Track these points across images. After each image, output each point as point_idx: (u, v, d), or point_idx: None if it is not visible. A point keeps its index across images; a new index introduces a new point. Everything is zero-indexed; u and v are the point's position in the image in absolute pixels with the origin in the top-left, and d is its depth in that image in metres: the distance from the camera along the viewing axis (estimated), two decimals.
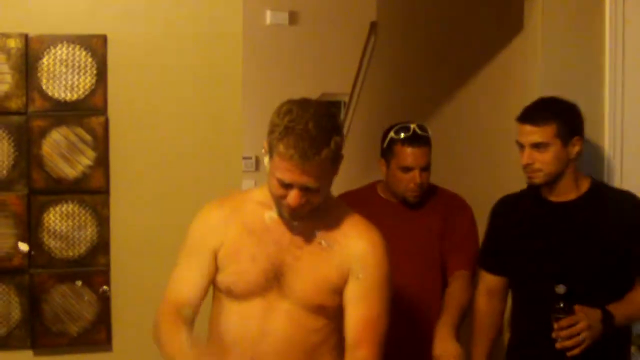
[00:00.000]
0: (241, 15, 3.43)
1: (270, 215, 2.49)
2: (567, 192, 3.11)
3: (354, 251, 2.46)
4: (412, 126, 3.37)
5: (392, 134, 3.40)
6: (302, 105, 2.35)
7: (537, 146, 3.05)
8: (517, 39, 3.96)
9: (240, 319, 2.48)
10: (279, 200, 2.40)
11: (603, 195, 3.15)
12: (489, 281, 3.32)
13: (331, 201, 2.55)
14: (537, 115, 3.07)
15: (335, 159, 2.37)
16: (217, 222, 2.51)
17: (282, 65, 7.87)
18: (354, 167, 6.72)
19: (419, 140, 3.35)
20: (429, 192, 3.49)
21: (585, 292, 2.98)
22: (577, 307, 2.89)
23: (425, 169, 3.37)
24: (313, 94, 7.93)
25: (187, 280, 2.49)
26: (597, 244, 3.05)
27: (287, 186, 2.34)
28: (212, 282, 2.52)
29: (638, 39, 3.73)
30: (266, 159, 2.42)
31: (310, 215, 2.42)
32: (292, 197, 2.34)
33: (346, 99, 7.20)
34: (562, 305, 2.89)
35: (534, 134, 3.05)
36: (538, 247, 3.12)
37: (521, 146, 3.10)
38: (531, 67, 3.78)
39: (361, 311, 2.45)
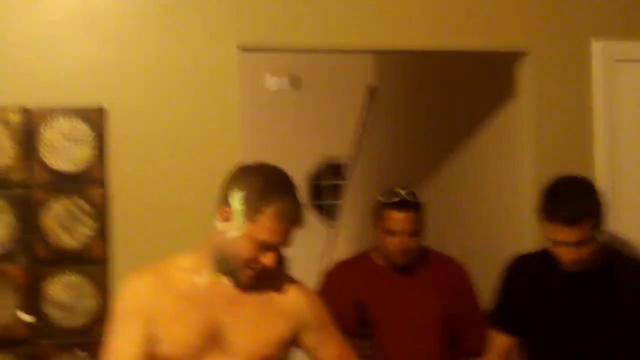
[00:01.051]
0: (237, 86, 3.50)
1: (202, 279, 2.48)
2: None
3: (296, 306, 2.54)
4: (401, 191, 3.39)
5: (380, 197, 3.43)
6: (272, 171, 2.46)
7: (575, 244, 2.97)
8: (510, 105, 4.03)
9: None
10: (245, 263, 2.41)
11: (619, 264, 3.14)
12: (502, 341, 3.30)
13: None
14: (572, 216, 2.94)
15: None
16: (143, 293, 2.47)
17: (284, 129, 7.92)
18: (355, 229, 6.76)
19: (406, 206, 3.36)
20: (423, 256, 3.49)
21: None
22: None
23: (413, 234, 3.37)
24: (316, 156, 8.00)
25: (127, 356, 2.42)
26: (614, 314, 3.05)
27: (268, 248, 2.39)
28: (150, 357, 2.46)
29: (628, 104, 3.83)
30: (221, 225, 2.44)
31: None
32: (272, 257, 2.41)
33: (348, 161, 7.25)
34: None
35: (570, 233, 2.95)
36: (555, 314, 3.11)
37: (557, 243, 3.01)
38: (523, 131, 3.85)
39: (334, 346, 2.62)
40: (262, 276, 2.45)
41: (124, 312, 2.48)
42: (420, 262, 3.48)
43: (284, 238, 2.40)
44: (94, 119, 3.33)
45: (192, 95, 3.45)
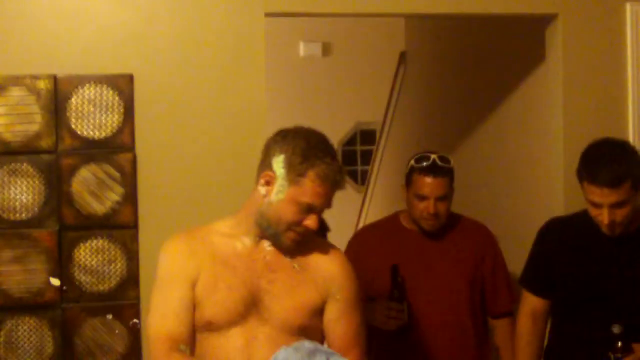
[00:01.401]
0: (264, 51, 3.52)
1: (242, 244, 2.51)
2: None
3: (328, 274, 2.54)
4: (433, 156, 3.39)
5: (412, 161, 3.44)
6: (313, 135, 2.48)
7: (616, 205, 2.98)
8: (540, 68, 4.02)
9: (224, 353, 2.47)
10: (288, 226, 2.45)
11: None
12: (533, 303, 3.32)
13: None
14: (611, 177, 2.96)
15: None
16: (188, 254, 2.50)
17: (316, 96, 7.95)
18: (387, 194, 6.78)
19: (437, 170, 3.37)
20: (453, 222, 3.51)
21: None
22: (635, 346, 2.92)
23: (442, 199, 3.38)
24: (348, 123, 8.04)
25: (175, 315, 2.45)
26: None
27: (311, 210, 2.42)
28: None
29: None
30: (264, 190, 2.46)
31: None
32: (314, 220, 2.44)
33: (380, 127, 7.27)
34: (620, 344, 2.92)
35: (611, 195, 2.96)
36: (591, 276, 3.12)
37: (596, 205, 3.02)
38: (554, 95, 3.83)
39: (345, 327, 2.56)
40: (304, 239, 2.48)
41: (168, 275, 2.51)
42: (449, 227, 3.50)
43: (326, 200, 2.44)
44: (122, 86, 3.38)
45: (219, 62, 3.48)
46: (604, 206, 2.98)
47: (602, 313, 3.03)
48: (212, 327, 2.45)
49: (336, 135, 7.97)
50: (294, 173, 2.41)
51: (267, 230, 2.48)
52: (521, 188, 4.29)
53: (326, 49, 7.95)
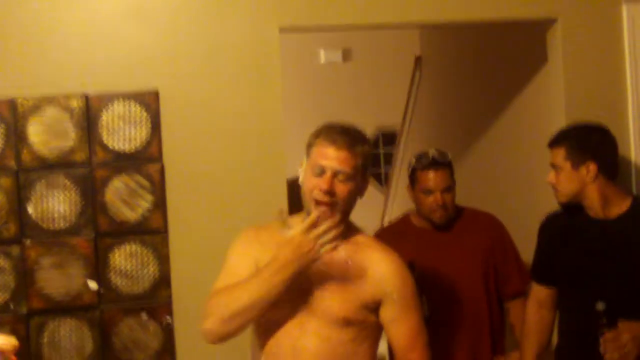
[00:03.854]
0: (279, 64, 3.71)
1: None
2: (606, 210, 3.25)
3: (383, 274, 2.65)
4: (431, 152, 3.58)
5: (413, 161, 3.64)
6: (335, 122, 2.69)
7: (553, 167, 3.26)
8: (543, 70, 4.18)
9: (274, 339, 2.64)
10: (310, 195, 2.59)
11: None
12: (538, 292, 3.46)
13: (353, 226, 2.77)
14: (552, 139, 3.29)
15: (364, 167, 2.65)
16: (255, 241, 2.70)
17: (338, 101, 8.06)
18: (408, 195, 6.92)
19: (437, 164, 3.56)
20: (460, 214, 3.67)
21: (627, 307, 3.12)
22: (620, 322, 3.05)
23: (446, 190, 3.56)
24: (370, 127, 8.11)
25: (240, 273, 2.61)
26: (636, 260, 3.19)
27: (322, 172, 2.58)
28: None
29: None
30: (301, 175, 2.65)
31: (337, 236, 2.59)
32: (324, 179, 2.57)
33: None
34: (604, 320, 3.03)
35: (551, 156, 3.28)
36: (581, 261, 3.27)
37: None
38: (556, 96, 3.99)
39: (404, 326, 2.67)
40: (329, 210, 2.55)
41: (238, 251, 2.72)
42: (458, 219, 3.66)
43: (336, 161, 2.57)
44: (149, 102, 3.58)
45: (238, 76, 3.67)
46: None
47: (590, 295, 3.14)
48: (264, 315, 2.59)
49: None
50: (308, 147, 2.64)
51: (308, 212, 2.61)
52: (533, 183, 4.42)
53: (346, 55, 8.04)
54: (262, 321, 2.65)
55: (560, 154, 3.23)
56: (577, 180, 3.23)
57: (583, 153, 3.22)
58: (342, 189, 2.59)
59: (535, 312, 3.47)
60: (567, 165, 3.23)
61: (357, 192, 2.67)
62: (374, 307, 2.66)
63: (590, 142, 3.26)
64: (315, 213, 2.56)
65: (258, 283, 2.52)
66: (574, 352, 3.31)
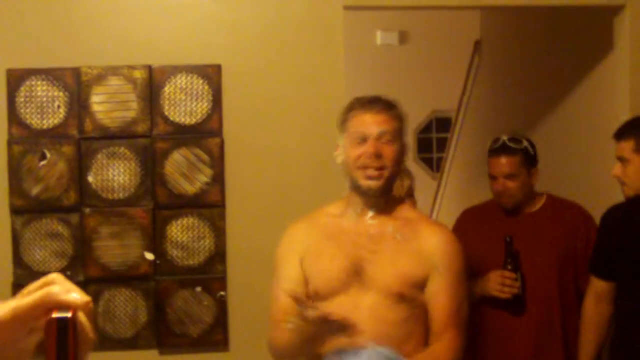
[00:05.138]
0: (342, 42, 3.71)
1: (347, 221, 2.69)
2: None
3: (431, 247, 2.64)
4: (503, 137, 3.55)
5: (488, 145, 3.63)
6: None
7: (621, 160, 3.21)
8: (608, 57, 4.12)
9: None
10: (355, 166, 2.60)
11: None
12: (597, 286, 3.42)
13: (400, 202, 2.80)
14: (619, 131, 3.24)
15: (402, 131, 2.67)
16: (297, 235, 2.73)
17: (393, 83, 8.05)
18: (461, 181, 6.91)
19: (503, 150, 3.52)
20: (544, 201, 3.61)
21: None
22: None
23: (510, 177, 3.51)
24: (424, 111, 8.13)
25: (289, 279, 2.68)
26: None
27: (365, 139, 2.59)
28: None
29: None
30: (338, 158, 2.67)
31: (385, 212, 2.65)
32: (370, 144, 2.57)
33: (455, 115, 7.36)
34: None
35: (618, 149, 3.22)
36: None
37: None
38: (621, 83, 3.94)
39: (446, 300, 2.64)
40: (379, 174, 2.59)
41: (282, 258, 2.75)
42: (539, 207, 3.60)
43: (375, 124, 2.59)
44: (211, 75, 3.60)
45: (300, 53, 3.68)
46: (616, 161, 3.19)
47: None
48: (319, 296, 2.63)
49: (412, 123, 8.08)
50: (342, 123, 2.65)
51: (355, 189, 2.64)
52: (591, 171, 4.38)
53: (403, 38, 8.02)
54: (315, 298, 2.66)
55: (628, 146, 3.18)
56: None
57: None
58: (388, 150, 2.60)
59: (594, 306, 3.43)
60: (636, 158, 3.17)
61: (402, 154, 2.68)
62: (424, 284, 2.65)
63: None
64: (365, 184, 2.60)
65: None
66: (634, 348, 3.27)
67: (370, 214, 2.66)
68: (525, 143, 3.56)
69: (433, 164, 8.11)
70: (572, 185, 4.67)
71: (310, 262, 2.67)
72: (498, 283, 3.44)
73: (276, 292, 2.69)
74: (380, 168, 2.60)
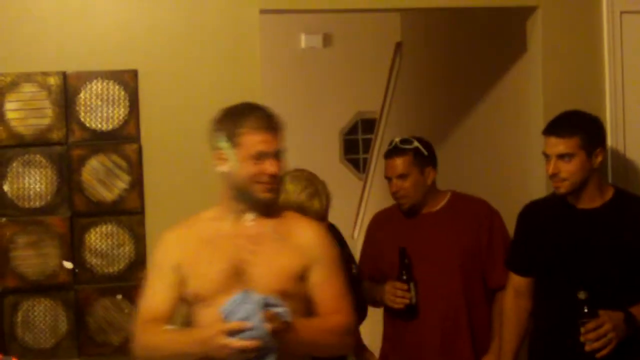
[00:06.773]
0: (259, 46, 3.70)
1: (225, 224, 2.76)
2: (591, 200, 3.26)
3: (308, 241, 2.76)
4: (396, 140, 3.62)
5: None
6: (237, 104, 2.81)
7: (562, 157, 3.20)
8: (523, 58, 4.20)
9: (214, 322, 2.62)
10: (253, 180, 2.67)
11: (626, 202, 3.30)
12: (516, 281, 3.47)
13: (277, 204, 2.86)
14: (562, 128, 3.24)
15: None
16: (172, 243, 2.79)
17: (318, 86, 8.07)
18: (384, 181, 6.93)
19: (395, 152, 3.58)
20: (453, 200, 3.64)
21: (608, 296, 3.14)
22: (601, 311, 3.06)
23: (402, 177, 3.55)
24: (349, 112, 8.16)
25: (155, 297, 2.75)
26: (620, 250, 3.21)
27: (263, 157, 2.66)
28: (183, 300, 2.75)
29: (635, 55, 3.94)
30: (222, 167, 2.73)
31: (263, 214, 2.74)
32: (271, 163, 2.68)
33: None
34: (586, 310, 3.05)
35: (559, 145, 3.21)
36: (563, 251, 3.28)
37: (547, 157, 3.26)
38: (534, 83, 4.00)
39: (331, 289, 2.76)
40: (276, 188, 2.72)
41: (155, 264, 2.82)
42: (442, 205, 3.64)
43: (272, 143, 2.68)
44: (128, 81, 3.57)
45: (217, 57, 3.67)
46: (551, 157, 3.21)
47: (570, 284, 3.16)
48: (199, 298, 2.70)
49: (338, 124, 8.13)
50: (233, 137, 2.68)
51: (244, 198, 2.71)
52: (505, 169, 4.45)
53: (327, 40, 8.04)
54: (199, 308, 2.72)
55: (574, 143, 3.19)
56: (588, 169, 3.23)
57: (597, 141, 3.24)
58: (282, 166, 2.73)
59: (513, 301, 3.48)
60: (581, 153, 3.20)
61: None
62: (304, 277, 2.75)
63: (601, 130, 3.31)
64: (262, 196, 2.70)
65: (180, 346, 2.65)
66: (552, 341, 3.33)
67: (251, 216, 2.74)
68: (417, 143, 3.60)
69: (360, 164, 8.15)
70: (486, 185, 4.72)
71: (189, 267, 2.72)
72: (391, 294, 3.50)
73: (147, 295, 2.77)
74: (278, 183, 2.73)
